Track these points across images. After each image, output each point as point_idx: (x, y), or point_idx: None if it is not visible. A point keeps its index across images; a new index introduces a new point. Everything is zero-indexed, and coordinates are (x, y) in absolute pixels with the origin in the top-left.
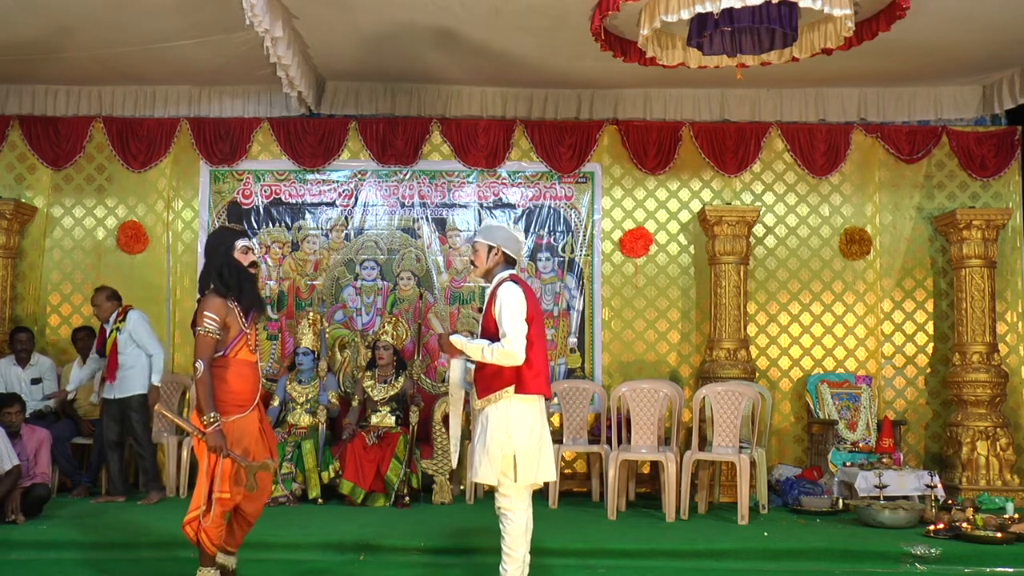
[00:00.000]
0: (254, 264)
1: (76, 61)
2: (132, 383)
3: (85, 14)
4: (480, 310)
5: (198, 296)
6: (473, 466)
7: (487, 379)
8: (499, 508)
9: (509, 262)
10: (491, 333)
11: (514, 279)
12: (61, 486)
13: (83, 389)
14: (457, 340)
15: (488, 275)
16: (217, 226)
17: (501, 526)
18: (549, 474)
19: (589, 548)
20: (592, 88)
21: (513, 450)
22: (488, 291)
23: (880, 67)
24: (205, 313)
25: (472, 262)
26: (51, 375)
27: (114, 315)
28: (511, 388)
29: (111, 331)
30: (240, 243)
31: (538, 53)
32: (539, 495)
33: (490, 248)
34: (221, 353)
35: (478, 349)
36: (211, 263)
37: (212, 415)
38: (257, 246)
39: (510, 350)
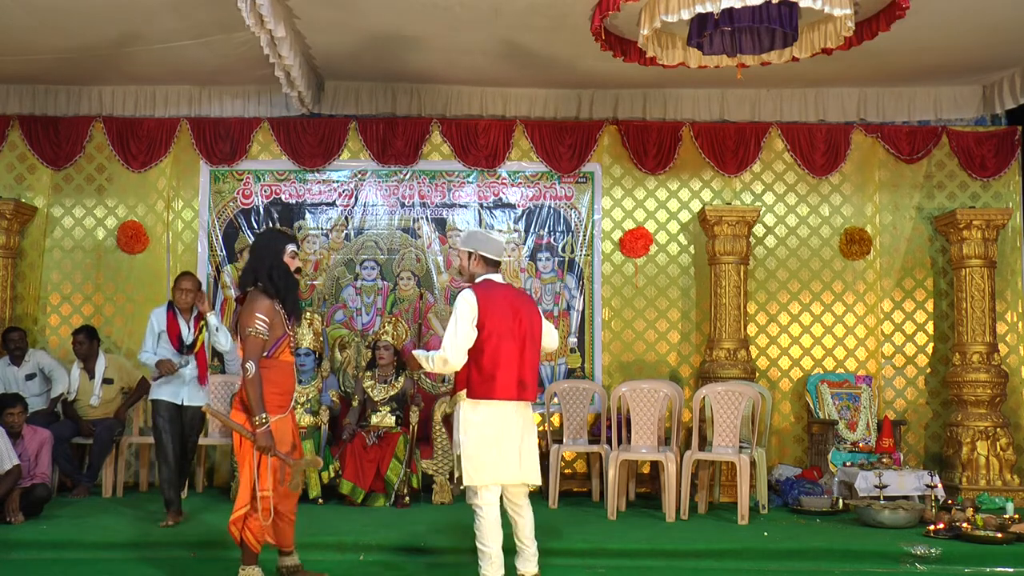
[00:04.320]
0: (298, 270)
1: (76, 61)
2: (205, 391)
3: (85, 14)
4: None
5: (237, 294)
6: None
7: (455, 384)
8: (469, 503)
9: (491, 264)
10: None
11: (475, 285)
12: (61, 486)
13: (84, 390)
14: (417, 353)
15: (472, 280)
16: (268, 228)
17: (474, 523)
18: (522, 476)
19: (589, 548)
20: (592, 88)
21: (459, 451)
22: None
23: (880, 67)
24: (256, 315)
25: (460, 270)
26: (51, 368)
27: (195, 311)
28: (463, 392)
29: (200, 329)
30: (290, 248)
31: (538, 53)
32: (539, 495)
33: (469, 254)
34: (266, 354)
35: (426, 359)
36: (260, 263)
37: (263, 416)
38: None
39: (442, 355)
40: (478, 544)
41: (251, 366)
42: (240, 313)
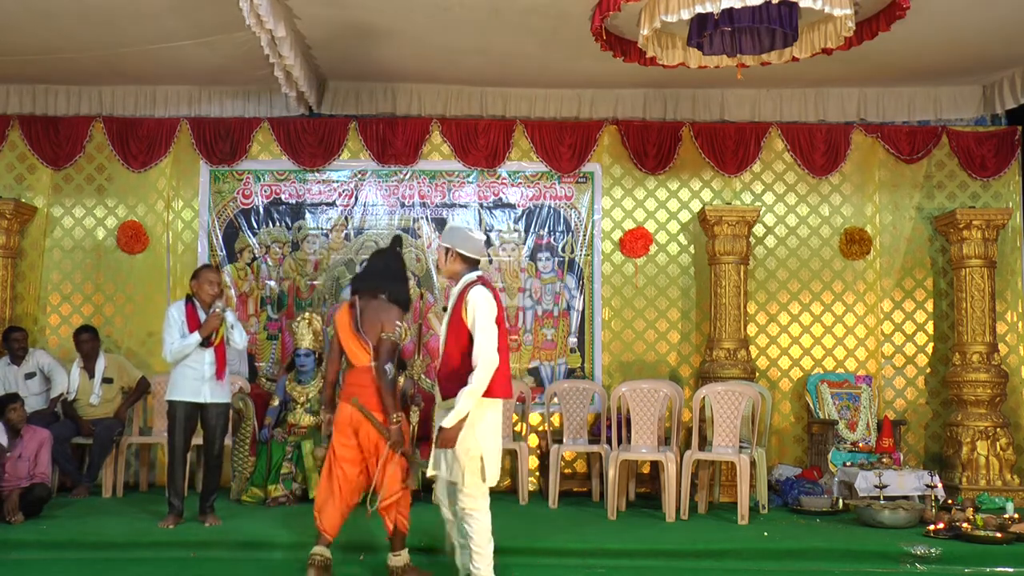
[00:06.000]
0: None
1: (76, 61)
2: (227, 387)
3: (85, 14)
4: (444, 309)
5: (353, 298)
6: (434, 464)
7: (454, 382)
8: (463, 509)
9: (471, 263)
10: (458, 335)
11: (482, 281)
12: (61, 486)
13: (83, 389)
14: (449, 421)
15: (454, 276)
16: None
17: (467, 527)
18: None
19: (589, 548)
20: (592, 88)
21: (480, 452)
22: (454, 292)
23: (880, 67)
24: (396, 322)
25: (437, 265)
26: (50, 367)
27: (213, 306)
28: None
29: (220, 323)
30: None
31: (538, 53)
32: (539, 495)
33: (447, 250)
34: None
35: (468, 400)
36: (396, 281)
37: (398, 415)
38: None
39: (487, 358)
40: (475, 547)
41: (390, 368)
42: (370, 317)
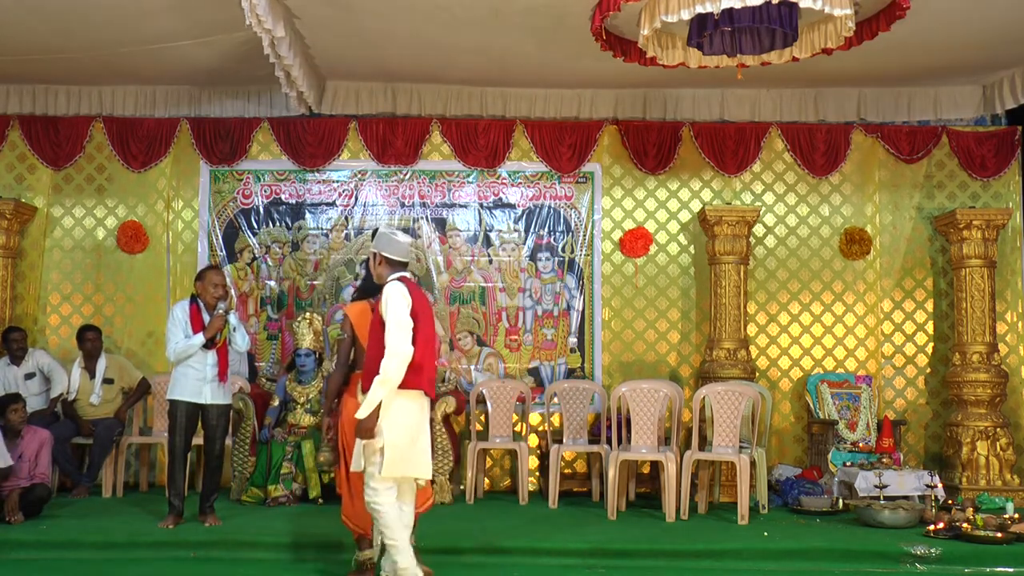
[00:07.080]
0: None
1: (76, 61)
2: (228, 388)
3: (85, 14)
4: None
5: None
6: (354, 455)
7: (371, 375)
8: (368, 503)
9: (395, 265)
10: (378, 332)
11: (402, 278)
12: (61, 486)
13: (84, 389)
14: (361, 412)
15: (380, 279)
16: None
17: (376, 521)
18: (424, 471)
19: (589, 548)
20: (592, 88)
21: (382, 443)
22: (382, 294)
23: (880, 67)
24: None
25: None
26: (50, 368)
27: (218, 307)
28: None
29: (223, 324)
30: None
31: (538, 53)
32: (539, 495)
33: (375, 255)
34: None
35: (377, 389)
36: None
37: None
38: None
39: (393, 350)
40: (388, 541)
41: None
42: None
